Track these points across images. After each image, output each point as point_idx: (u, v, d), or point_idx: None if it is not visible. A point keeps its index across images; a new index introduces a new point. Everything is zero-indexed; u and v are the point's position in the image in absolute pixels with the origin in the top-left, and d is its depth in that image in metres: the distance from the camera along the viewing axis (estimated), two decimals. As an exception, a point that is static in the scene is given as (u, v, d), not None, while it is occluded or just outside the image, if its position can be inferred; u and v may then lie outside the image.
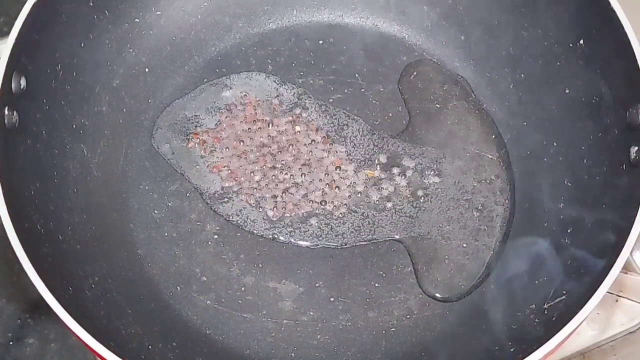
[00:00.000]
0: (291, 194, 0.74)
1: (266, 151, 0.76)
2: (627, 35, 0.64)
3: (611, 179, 0.65)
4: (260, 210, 0.73)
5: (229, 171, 0.75)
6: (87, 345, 0.54)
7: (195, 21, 0.81)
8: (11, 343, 0.77)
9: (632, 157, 0.63)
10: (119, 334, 0.63)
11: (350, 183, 0.75)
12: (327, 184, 0.75)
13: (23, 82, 0.64)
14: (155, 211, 0.73)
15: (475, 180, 0.75)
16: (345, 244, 0.72)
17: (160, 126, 0.77)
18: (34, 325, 0.78)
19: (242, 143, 0.76)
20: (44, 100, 0.68)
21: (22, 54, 0.64)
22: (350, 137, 0.77)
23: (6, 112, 0.62)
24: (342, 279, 0.71)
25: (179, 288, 0.70)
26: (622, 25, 0.64)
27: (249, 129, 0.77)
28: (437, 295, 0.70)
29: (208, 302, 0.70)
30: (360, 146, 0.77)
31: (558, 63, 0.72)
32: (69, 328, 0.55)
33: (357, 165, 0.75)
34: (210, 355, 0.67)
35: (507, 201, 0.74)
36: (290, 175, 0.75)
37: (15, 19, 0.64)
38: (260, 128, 0.77)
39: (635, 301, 0.76)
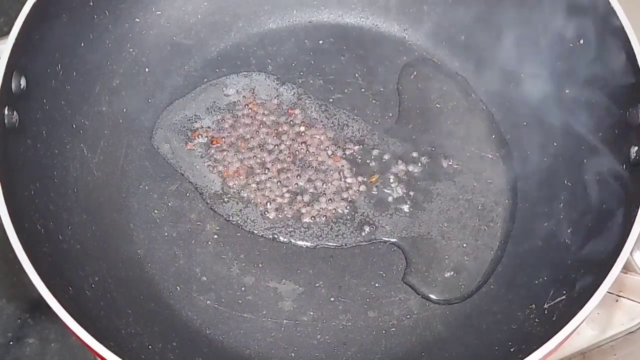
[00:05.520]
0: (291, 193, 0.74)
1: (266, 151, 0.76)
2: (627, 35, 0.64)
3: (611, 179, 0.65)
4: (260, 210, 0.73)
5: (229, 171, 0.75)
6: (87, 345, 0.54)
7: (195, 21, 0.81)
8: (11, 343, 0.77)
9: (632, 157, 0.63)
10: (119, 334, 0.63)
11: (351, 183, 0.75)
12: (327, 183, 0.75)
13: (23, 82, 0.64)
14: (155, 211, 0.73)
15: (475, 180, 0.75)
16: (345, 244, 0.72)
17: (160, 126, 0.77)
18: (34, 325, 0.78)
19: (242, 143, 0.76)
20: (44, 100, 0.68)
21: (22, 54, 0.64)
22: (350, 137, 0.77)
23: (6, 112, 0.62)
24: (342, 279, 0.71)
25: (179, 288, 0.70)
26: (622, 25, 0.64)
27: (248, 129, 0.77)
28: (438, 297, 0.70)
29: (208, 302, 0.70)
30: (360, 146, 0.77)
31: (558, 63, 0.72)
32: (69, 328, 0.55)
33: (357, 166, 0.75)
34: (210, 355, 0.67)
35: (507, 201, 0.74)
36: (290, 175, 0.75)
37: (15, 19, 0.64)
38: (260, 128, 0.77)
39: (635, 301, 0.76)
